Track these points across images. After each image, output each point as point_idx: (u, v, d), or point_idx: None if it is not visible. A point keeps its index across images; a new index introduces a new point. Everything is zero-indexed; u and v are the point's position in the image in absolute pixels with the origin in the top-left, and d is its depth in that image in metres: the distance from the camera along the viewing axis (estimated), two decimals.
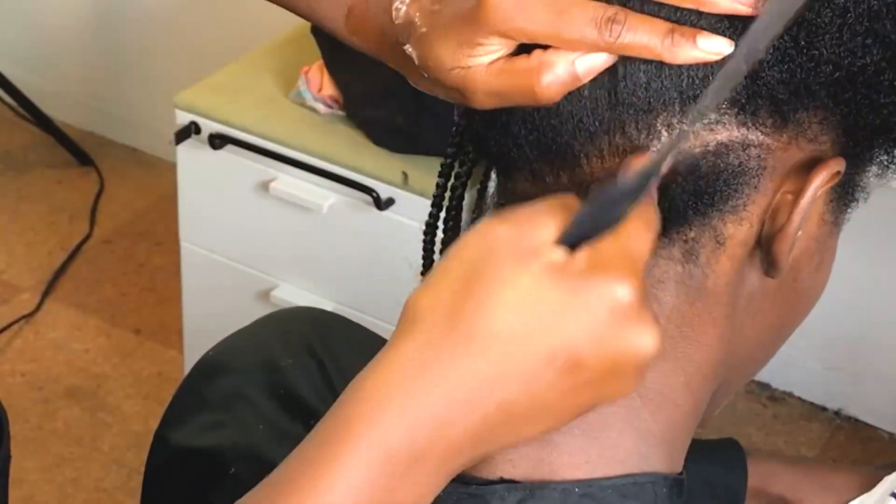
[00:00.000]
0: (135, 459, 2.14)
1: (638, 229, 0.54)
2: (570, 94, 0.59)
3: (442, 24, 0.59)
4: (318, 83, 1.89)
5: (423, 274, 0.74)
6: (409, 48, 0.61)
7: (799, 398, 2.34)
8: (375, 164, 1.80)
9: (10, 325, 2.37)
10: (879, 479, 0.89)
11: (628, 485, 0.63)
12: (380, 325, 1.72)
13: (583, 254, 0.52)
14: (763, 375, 2.37)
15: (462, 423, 0.52)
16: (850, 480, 0.88)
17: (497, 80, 0.58)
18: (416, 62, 0.61)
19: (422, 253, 0.73)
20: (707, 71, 0.58)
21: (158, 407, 1.82)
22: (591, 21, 0.56)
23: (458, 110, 0.66)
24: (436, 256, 0.73)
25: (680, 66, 0.57)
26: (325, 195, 1.84)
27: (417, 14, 0.61)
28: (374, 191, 1.78)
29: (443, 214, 0.72)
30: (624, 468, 0.63)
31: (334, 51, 1.84)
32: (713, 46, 0.56)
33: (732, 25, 0.57)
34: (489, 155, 0.65)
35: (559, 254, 0.52)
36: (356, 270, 1.87)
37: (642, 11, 0.57)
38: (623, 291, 0.52)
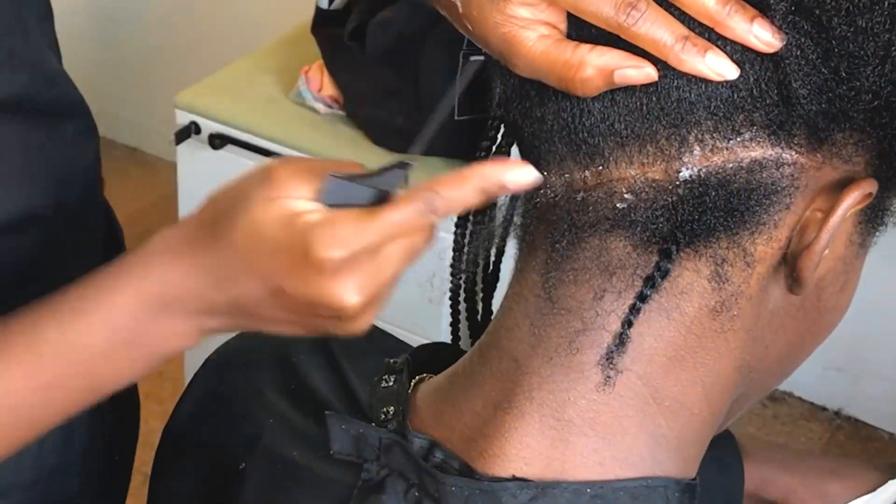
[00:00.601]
0: (135, 459, 2.14)
1: (385, 221, 0.60)
2: (603, 97, 0.59)
3: None
4: (318, 83, 1.89)
5: (452, 276, 0.75)
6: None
7: (799, 398, 2.35)
8: (375, 164, 1.80)
9: None
10: (877, 482, 0.89)
11: (640, 488, 0.63)
12: (379, 325, 1.72)
13: (323, 214, 0.60)
14: None
15: (205, 296, 0.63)
16: (847, 487, 0.88)
17: (540, 59, 0.58)
18: (460, 9, 0.61)
19: (452, 246, 0.73)
20: (741, 95, 0.57)
21: (159, 407, 1.82)
22: (612, 1, 0.56)
23: (496, 101, 0.66)
24: (465, 250, 0.73)
25: (711, 85, 0.57)
26: None
27: None
28: None
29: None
30: (636, 472, 0.63)
31: (334, 51, 1.84)
32: (719, 66, 0.56)
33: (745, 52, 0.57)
34: (521, 146, 0.66)
35: (306, 205, 0.61)
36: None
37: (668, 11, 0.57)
38: (333, 254, 0.59)
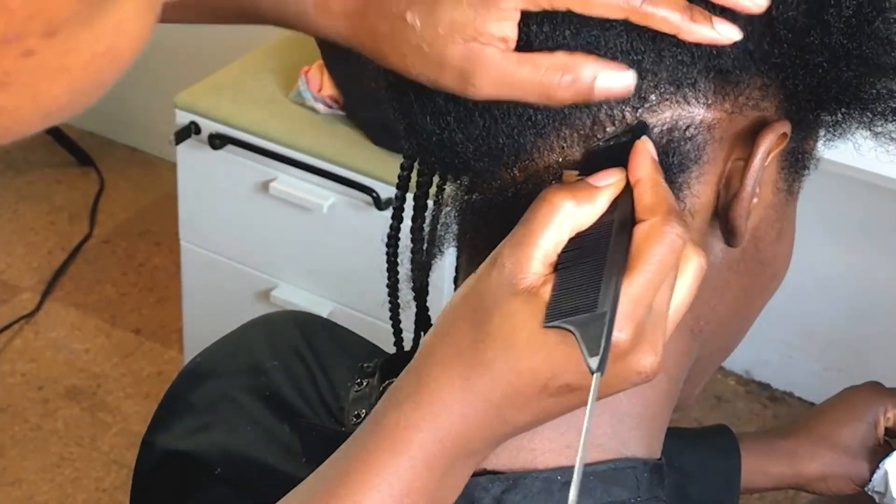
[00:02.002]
0: (135, 459, 2.14)
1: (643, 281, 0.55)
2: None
3: None
4: (318, 83, 1.89)
5: (388, 287, 0.74)
6: (410, 14, 0.59)
7: (799, 398, 2.35)
8: (375, 164, 1.80)
9: (10, 325, 2.37)
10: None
11: (609, 471, 0.63)
12: (379, 326, 1.72)
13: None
14: (763, 375, 2.37)
15: (478, 433, 0.58)
16: (855, 430, 0.92)
17: (519, 70, 0.58)
18: (418, 30, 0.59)
19: (386, 265, 0.73)
20: (640, 59, 0.58)
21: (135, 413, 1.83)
22: None
23: (399, 133, 0.66)
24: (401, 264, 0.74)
25: (615, 58, 0.58)
26: (325, 195, 1.84)
27: None
28: (374, 191, 1.78)
29: (405, 224, 0.72)
30: (604, 453, 0.63)
31: (334, 51, 1.84)
32: (726, 31, 0.57)
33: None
34: (445, 170, 0.66)
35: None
36: (356, 270, 1.87)
37: None
38: (623, 337, 0.54)
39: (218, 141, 1.88)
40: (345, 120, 1.88)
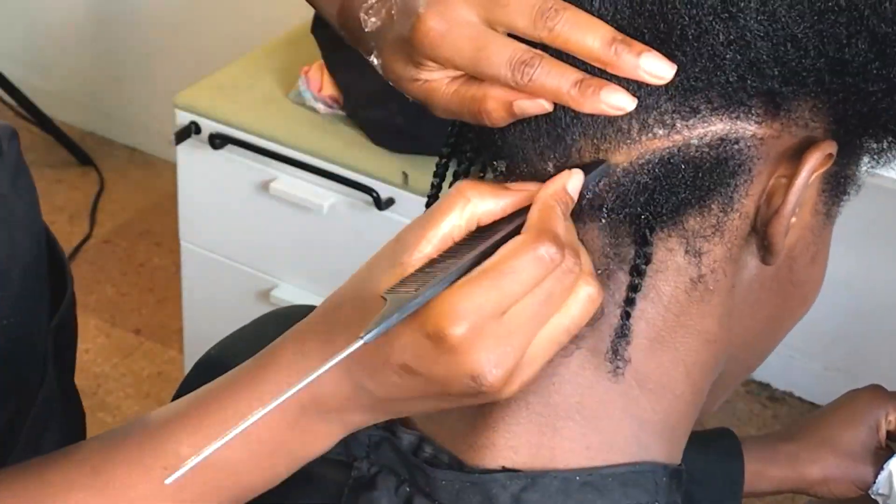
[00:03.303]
0: None
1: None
2: None
3: (392, 40, 0.64)
4: (318, 83, 1.89)
5: None
6: (373, 59, 0.66)
7: (799, 398, 2.35)
8: (375, 164, 1.80)
9: None
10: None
11: (628, 473, 0.63)
12: None
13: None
14: (763, 375, 2.37)
15: (331, 390, 0.61)
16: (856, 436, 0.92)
17: (451, 101, 0.62)
18: (381, 71, 0.66)
19: None
20: (695, 75, 0.59)
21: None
22: (507, 62, 0.59)
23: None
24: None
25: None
26: (325, 195, 1.84)
27: (379, 27, 0.65)
28: (374, 191, 1.78)
29: None
30: (624, 456, 0.64)
31: (334, 51, 1.84)
32: (616, 101, 0.58)
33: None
34: (485, 146, 0.67)
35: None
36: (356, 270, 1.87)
37: (560, 58, 0.59)
38: (455, 332, 0.56)
39: (218, 141, 1.88)
40: (345, 120, 1.88)
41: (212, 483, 0.64)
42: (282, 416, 0.62)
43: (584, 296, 0.58)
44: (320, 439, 0.63)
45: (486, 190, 0.60)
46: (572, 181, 0.60)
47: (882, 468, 0.89)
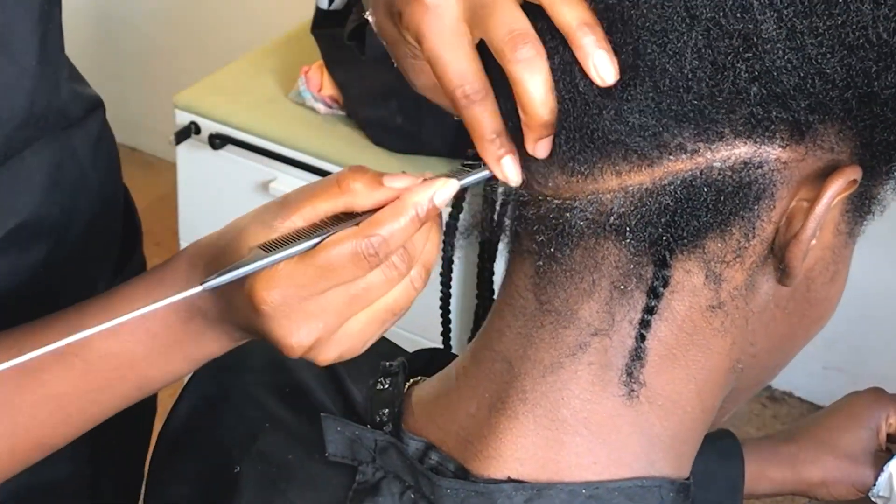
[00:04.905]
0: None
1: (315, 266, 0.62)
2: (583, 112, 0.60)
3: None
4: (318, 83, 1.89)
5: (441, 276, 0.75)
6: (368, 15, 0.67)
7: (799, 398, 2.35)
8: (375, 165, 1.79)
9: None
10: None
11: (635, 487, 0.63)
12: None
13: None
14: None
15: (216, 308, 0.67)
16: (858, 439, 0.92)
17: (434, 92, 0.66)
18: (374, 29, 0.67)
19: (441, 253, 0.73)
20: (719, 100, 0.58)
21: (158, 408, 1.83)
22: (457, 86, 0.61)
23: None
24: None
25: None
26: None
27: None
28: None
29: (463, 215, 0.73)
30: (631, 471, 0.63)
31: (334, 51, 1.84)
32: (509, 173, 0.61)
33: None
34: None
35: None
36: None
37: None
38: (269, 297, 0.62)
39: (218, 141, 1.88)
40: (345, 120, 1.88)
41: (116, 371, 0.69)
42: (176, 315, 0.68)
43: (407, 284, 0.63)
44: (210, 343, 0.69)
45: (365, 182, 0.62)
46: (442, 192, 0.61)
47: (882, 470, 0.89)
